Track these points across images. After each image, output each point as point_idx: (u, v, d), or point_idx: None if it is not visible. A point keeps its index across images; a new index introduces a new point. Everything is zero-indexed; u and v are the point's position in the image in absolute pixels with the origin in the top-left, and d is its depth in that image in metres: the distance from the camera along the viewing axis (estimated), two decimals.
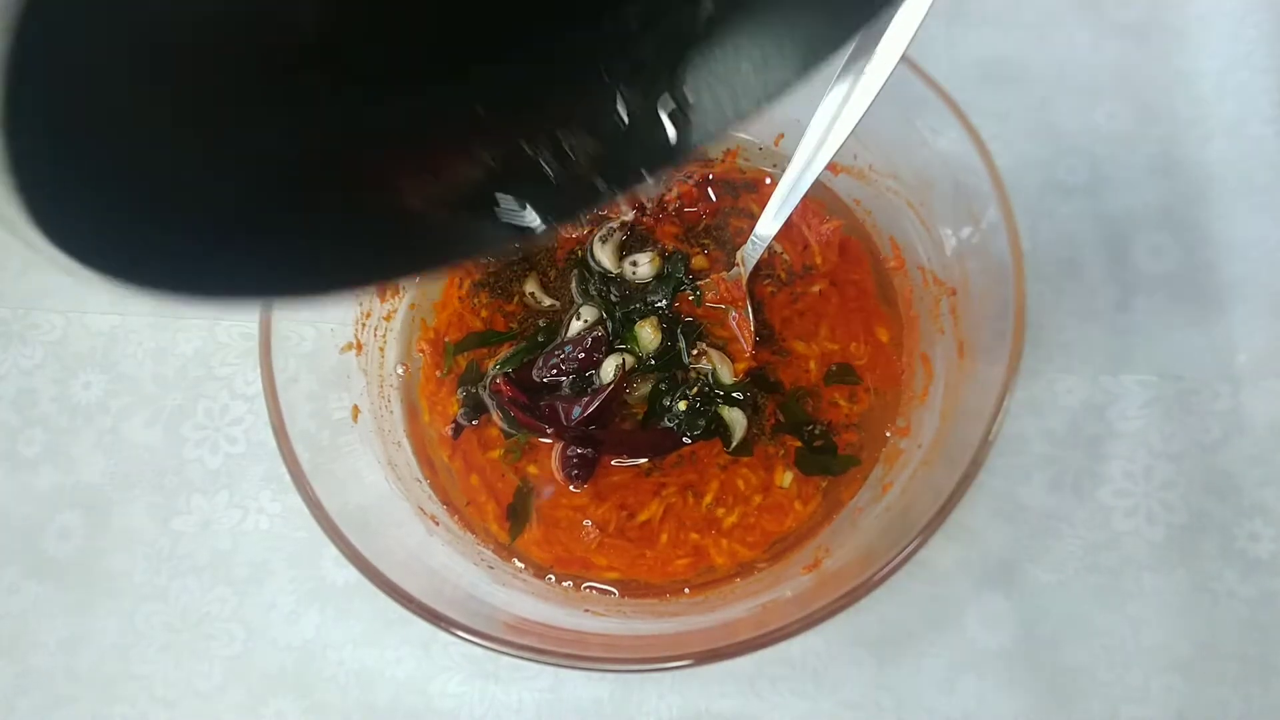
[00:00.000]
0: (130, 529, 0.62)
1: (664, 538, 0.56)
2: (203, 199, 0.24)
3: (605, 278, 0.61)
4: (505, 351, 0.60)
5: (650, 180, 0.29)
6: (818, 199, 0.61)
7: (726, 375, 0.58)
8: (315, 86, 0.24)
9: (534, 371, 0.59)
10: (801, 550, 0.55)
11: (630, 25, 0.27)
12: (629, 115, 0.28)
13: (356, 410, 0.56)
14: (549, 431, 0.57)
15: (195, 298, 0.25)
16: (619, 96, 0.28)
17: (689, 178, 0.63)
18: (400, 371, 0.61)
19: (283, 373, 0.50)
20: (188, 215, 0.24)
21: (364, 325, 0.59)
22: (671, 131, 0.29)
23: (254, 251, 0.26)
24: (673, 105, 0.28)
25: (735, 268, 0.59)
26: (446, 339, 0.61)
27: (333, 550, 0.45)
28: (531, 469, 0.58)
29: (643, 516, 0.56)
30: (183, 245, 0.25)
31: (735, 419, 0.57)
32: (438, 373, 0.61)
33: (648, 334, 0.58)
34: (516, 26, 0.26)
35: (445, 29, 0.25)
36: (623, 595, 0.55)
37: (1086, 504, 0.57)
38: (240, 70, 0.23)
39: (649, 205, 0.63)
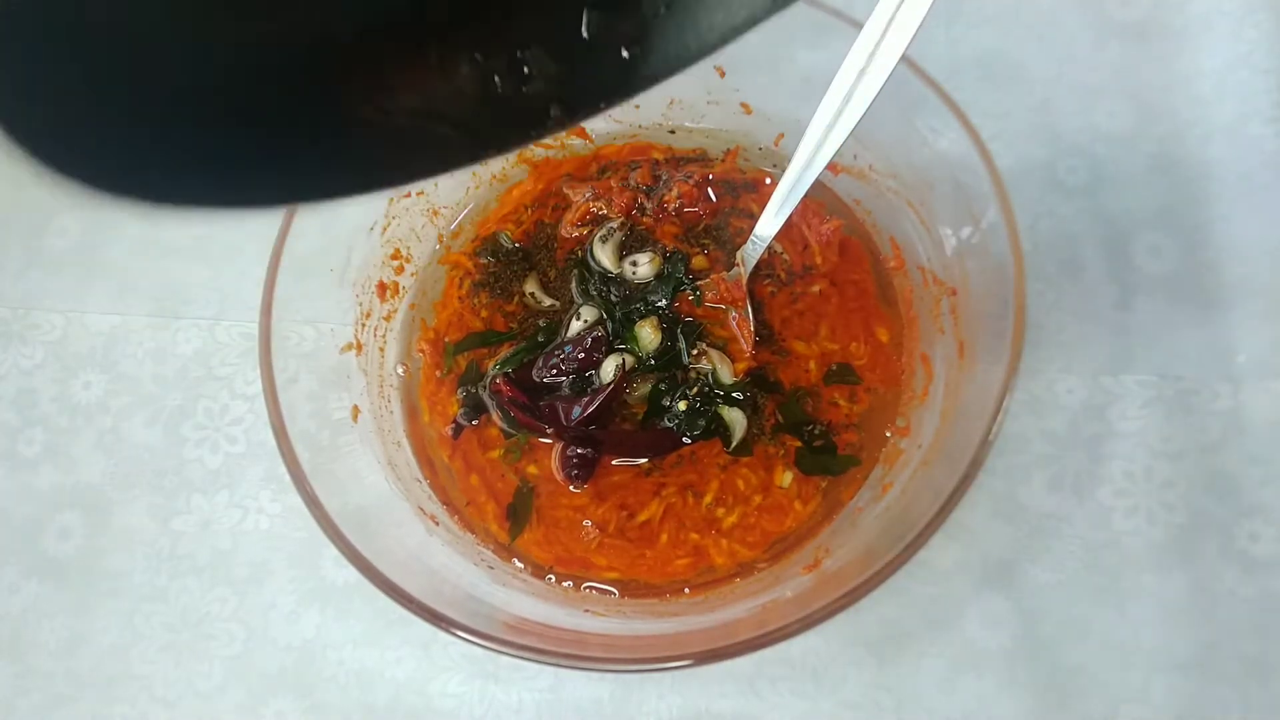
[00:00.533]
0: (130, 529, 0.62)
1: (664, 538, 0.56)
2: (194, 106, 0.26)
3: (605, 278, 0.61)
4: (505, 351, 0.60)
5: (604, 108, 0.30)
6: (818, 199, 0.61)
7: (726, 375, 0.58)
8: None
9: (534, 371, 0.59)
10: (801, 550, 0.55)
11: None
12: (591, 38, 0.28)
13: (356, 410, 0.56)
14: (549, 431, 0.57)
15: (181, 204, 0.26)
16: (584, 17, 0.28)
17: (689, 178, 0.63)
18: (400, 371, 0.61)
19: (283, 373, 0.50)
20: (184, 121, 0.26)
21: (364, 325, 0.59)
22: (627, 59, 0.29)
23: (225, 155, 0.27)
24: (633, 37, 0.29)
25: (735, 268, 0.59)
26: (446, 339, 0.61)
27: (333, 550, 0.45)
28: (531, 469, 0.58)
29: (643, 516, 0.56)
30: (177, 149, 0.26)
31: (735, 419, 0.57)
32: (438, 373, 0.61)
33: (648, 334, 0.58)
34: None
35: None
36: (623, 595, 0.55)
37: (1086, 504, 0.57)
38: None
39: (649, 206, 0.63)
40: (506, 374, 0.58)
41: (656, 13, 0.29)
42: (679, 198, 0.62)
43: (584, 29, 0.28)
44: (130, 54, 0.24)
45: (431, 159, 0.30)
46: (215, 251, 0.68)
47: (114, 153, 0.25)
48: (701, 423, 0.57)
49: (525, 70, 0.29)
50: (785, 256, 0.61)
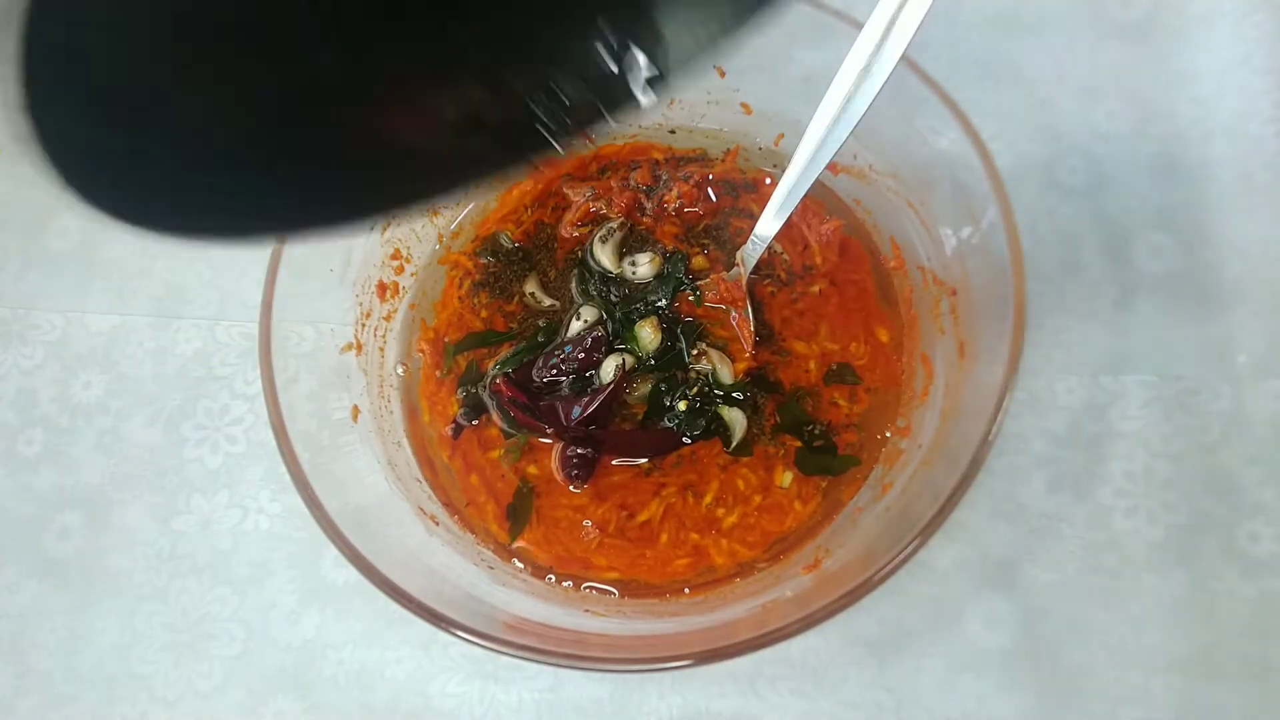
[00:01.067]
0: (130, 529, 0.62)
1: (664, 538, 0.56)
2: (221, 142, 0.27)
3: (605, 278, 0.61)
4: (505, 351, 0.60)
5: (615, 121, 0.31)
6: (818, 199, 0.61)
7: (726, 375, 0.58)
8: (319, 34, 0.25)
9: (534, 371, 0.59)
10: (801, 550, 0.55)
11: None
12: (613, 59, 0.30)
13: (356, 410, 0.56)
14: (549, 431, 0.57)
15: (224, 235, 0.28)
16: (601, 41, 0.29)
17: (689, 178, 0.63)
18: (400, 371, 0.61)
19: (283, 373, 0.50)
20: (210, 160, 0.27)
21: (364, 325, 0.59)
22: (645, 72, 0.30)
23: (276, 186, 0.29)
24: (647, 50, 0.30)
25: (735, 268, 0.59)
26: (446, 339, 0.61)
27: (333, 550, 0.45)
28: (531, 469, 0.58)
29: (643, 516, 0.56)
30: (204, 186, 0.27)
31: (735, 419, 0.57)
32: (438, 373, 0.61)
33: (648, 334, 0.58)
34: None
35: None
36: (623, 595, 0.55)
37: (1086, 504, 0.57)
38: (247, 30, 0.25)
39: (649, 206, 0.63)
40: (506, 374, 0.58)
41: (667, 21, 0.30)
42: (679, 198, 0.62)
43: (604, 54, 0.29)
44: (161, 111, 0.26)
45: (475, 171, 0.31)
46: (215, 252, 0.68)
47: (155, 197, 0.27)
48: (701, 423, 0.57)
49: (561, 95, 0.30)
50: (785, 256, 0.61)
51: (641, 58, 0.30)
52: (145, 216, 0.26)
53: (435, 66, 0.28)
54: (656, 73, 0.30)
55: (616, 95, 0.30)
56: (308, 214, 0.29)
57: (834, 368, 0.59)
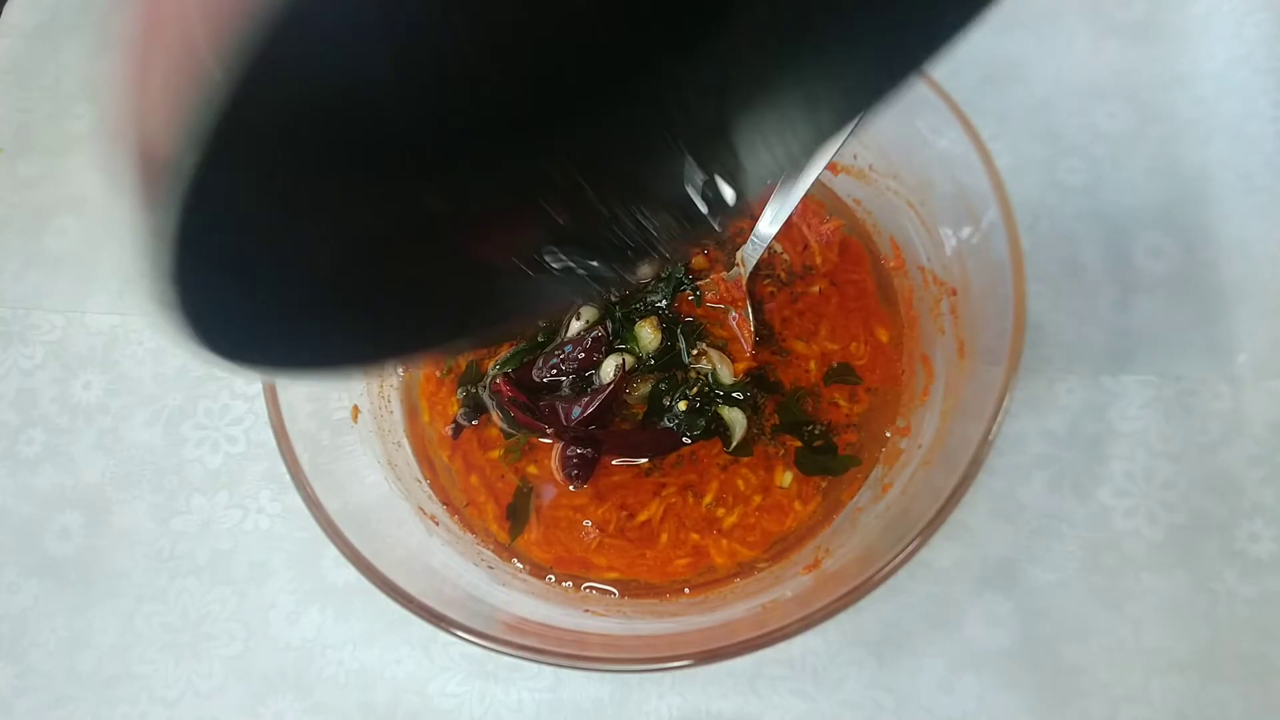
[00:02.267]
0: (130, 529, 0.62)
1: (664, 538, 0.56)
2: (317, 283, 0.27)
3: None
4: (505, 351, 0.60)
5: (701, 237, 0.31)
6: (818, 199, 0.61)
7: (726, 375, 0.58)
8: (412, 174, 0.26)
9: (534, 371, 0.59)
10: (801, 550, 0.55)
11: (688, 93, 0.28)
12: (691, 184, 0.30)
13: (356, 410, 0.56)
14: (549, 431, 0.57)
15: (316, 370, 0.28)
16: (686, 166, 0.29)
17: None
18: (400, 371, 0.61)
19: None
20: (301, 297, 0.27)
21: None
22: (728, 193, 0.30)
23: (362, 322, 0.29)
24: (726, 172, 0.30)
25: (735, 268, 0.59)
26: None
27: (333, 550, 0.45)
28: (531, 469, 0.58)
29: (643, 516, 0.56)
30: (297, 325, 0.27)
31: (735, 419, 0.57)
32: (438, 373, 0.61)
33: (648, 334, 0.58)
34: (593, 95, 0.27)
35: (527, 104, 0.26)
36: (623, 595, 0.55)
37: (1086, 504, 0.57)
38: (347, 170, 0.24)
39: None
40: (506, 374, 0.58)
41: (747, 147, 0.30)
42: None
43: (688, 183, 0.29)
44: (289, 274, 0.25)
45: (551, 300, 0.31)
46: None
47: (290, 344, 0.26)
48: (701, 423, 0.57)
49: (644, 223, 0.30)
50: (785, 256, 0.61)
51: (726, 188, 0.30)
52: (267, 358, 0.26)
53: (525, 198, 0.28)
54: (736, 197, 0.30)
55: (695, 222, 0.30)
56: (405, 341, 0.29)
57: (834, 368, 0.59)
